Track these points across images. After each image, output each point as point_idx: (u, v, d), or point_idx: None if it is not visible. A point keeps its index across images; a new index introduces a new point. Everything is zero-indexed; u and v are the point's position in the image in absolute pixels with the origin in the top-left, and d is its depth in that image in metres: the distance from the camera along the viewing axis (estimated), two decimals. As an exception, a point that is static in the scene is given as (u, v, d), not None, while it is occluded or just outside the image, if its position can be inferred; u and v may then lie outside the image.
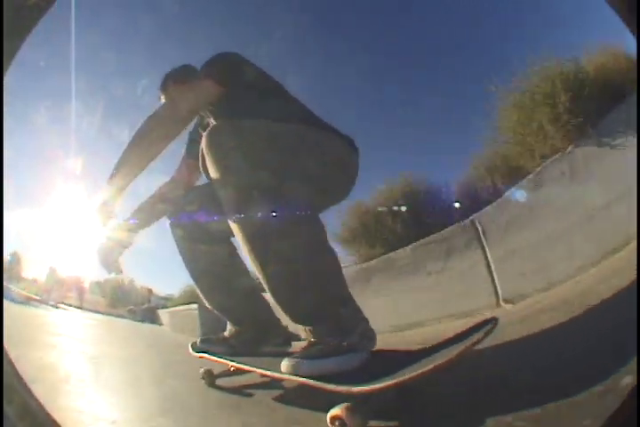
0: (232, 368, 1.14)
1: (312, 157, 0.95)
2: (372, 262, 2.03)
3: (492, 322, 0.74)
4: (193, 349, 1.21)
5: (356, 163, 1.09)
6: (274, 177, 0.80)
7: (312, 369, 0.70)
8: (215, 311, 1.25)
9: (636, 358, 0.53)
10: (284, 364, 0.73)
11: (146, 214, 1.26)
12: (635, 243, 1.08)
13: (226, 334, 1.22)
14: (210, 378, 1.20)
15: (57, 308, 2.50)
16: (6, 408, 0.56)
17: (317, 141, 1.00)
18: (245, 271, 1.22)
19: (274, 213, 0.78)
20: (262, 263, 0.79)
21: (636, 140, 1.26)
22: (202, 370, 1.20)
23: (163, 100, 1.34)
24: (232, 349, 1.16)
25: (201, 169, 0.95)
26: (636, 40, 0.59)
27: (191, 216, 1.20)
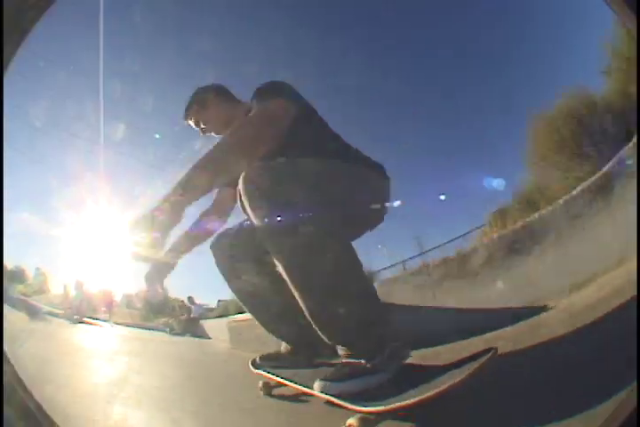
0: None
1: (348, 193, 1.03)
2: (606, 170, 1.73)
3: (492, 351, 0.78)
4: (253, 366, 1.33)
5: (388, 192, 1.19)
6: (310, 215, 0.86)
7: (337, 390, 0.82)
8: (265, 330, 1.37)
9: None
10: (316, 384, 0.86)
11: (191, 241, 1.33)
12: None
13: (282, 350, 1.32)
14: (267, 389, 1.32)
15: (82, 322, 2.47)
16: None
17: (354, 178, 1.08)
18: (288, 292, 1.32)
19: (311, 246, 0.85)
20: (297, 287, 0.87)
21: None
22: (260, 382, 1.33)
23: (192, 119, 1.36)
24: (288, 364, 1.26)
25: (239, 204, 0.96)
26: (637, 40, 0.60)
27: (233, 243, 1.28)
